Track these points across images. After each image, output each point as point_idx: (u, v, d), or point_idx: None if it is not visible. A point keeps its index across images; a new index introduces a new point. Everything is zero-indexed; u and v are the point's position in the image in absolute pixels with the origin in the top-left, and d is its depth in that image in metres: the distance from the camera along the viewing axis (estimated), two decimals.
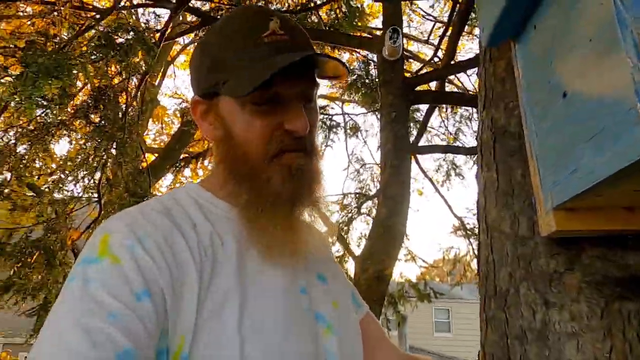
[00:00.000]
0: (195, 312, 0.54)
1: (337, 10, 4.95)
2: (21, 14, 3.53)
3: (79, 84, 3.27)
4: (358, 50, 5.00)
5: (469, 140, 6.40)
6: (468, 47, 7.82)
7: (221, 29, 0.70)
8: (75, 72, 2.00)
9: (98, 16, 2.57)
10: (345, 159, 7.32)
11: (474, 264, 6.51)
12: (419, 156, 4.95)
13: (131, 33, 2.24)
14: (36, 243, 2.72)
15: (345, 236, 6.40)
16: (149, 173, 4.00)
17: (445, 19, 6.72)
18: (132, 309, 0.50)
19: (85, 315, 0.48)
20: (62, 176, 3.67)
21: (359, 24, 5.23)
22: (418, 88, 3.34)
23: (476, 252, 5.75)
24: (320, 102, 7.64)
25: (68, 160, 3.90)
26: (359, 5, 5.44)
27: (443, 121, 6.79)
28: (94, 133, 2.75)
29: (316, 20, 4.85)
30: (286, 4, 4.58)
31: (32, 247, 2.68)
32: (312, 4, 4.29)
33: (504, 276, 0.71)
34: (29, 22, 3.49)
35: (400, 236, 2.90)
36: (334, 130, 7.35)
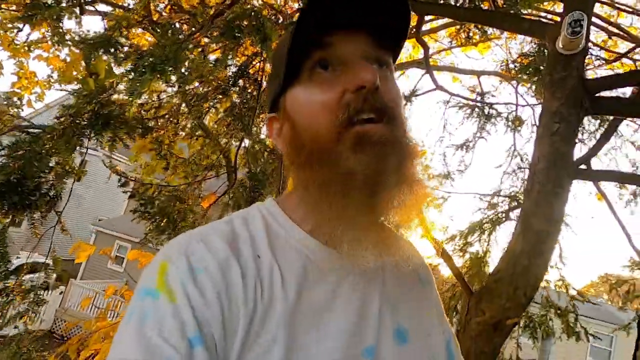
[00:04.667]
0: (237, 358, 0.49)
1: None
2: None
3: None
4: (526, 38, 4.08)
5: None
6: None
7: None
8: None
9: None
10: (499, 155, 6.37)
11: None
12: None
13: None
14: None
15: (486, 239, 5.61)
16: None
17: None
18: (186, 356, 0.46)
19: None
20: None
21: (540, 4, 4.19)
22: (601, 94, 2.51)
23: None
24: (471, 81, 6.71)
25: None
26: None
27: (616, 147, 5.17)
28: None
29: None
30: None
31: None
32: None
33: None
34: None
35: (535, 282, 2.31)
36: (493, 120, 6.42)
